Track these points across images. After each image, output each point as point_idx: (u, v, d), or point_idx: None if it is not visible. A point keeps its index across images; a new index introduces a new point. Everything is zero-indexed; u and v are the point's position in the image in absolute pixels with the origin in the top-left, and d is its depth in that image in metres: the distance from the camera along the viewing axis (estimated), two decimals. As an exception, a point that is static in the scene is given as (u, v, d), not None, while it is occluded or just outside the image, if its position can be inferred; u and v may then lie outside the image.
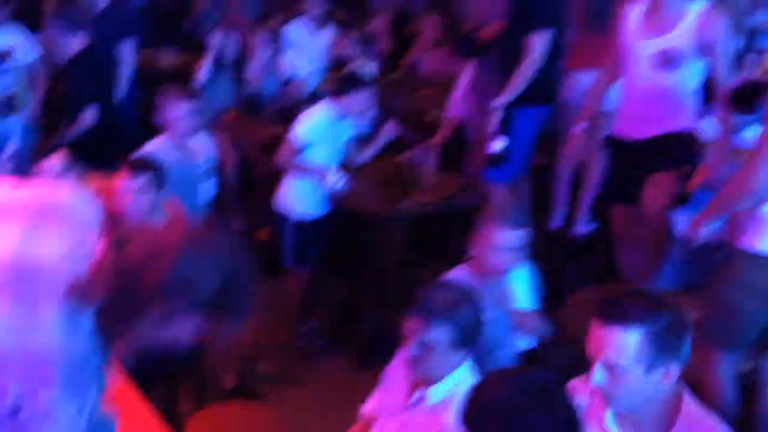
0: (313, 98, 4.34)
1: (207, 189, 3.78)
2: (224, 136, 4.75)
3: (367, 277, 3.95)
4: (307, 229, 3.62)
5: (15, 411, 1.20)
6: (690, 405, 1.67)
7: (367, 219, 3.80)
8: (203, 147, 3.71)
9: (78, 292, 1.20)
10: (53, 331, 1.19)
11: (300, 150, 3.50)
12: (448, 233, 3.96)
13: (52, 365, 1.21)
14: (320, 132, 3.53)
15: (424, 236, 4.09)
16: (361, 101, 3.53)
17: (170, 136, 3.52)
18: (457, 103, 4.55)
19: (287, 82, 4.94)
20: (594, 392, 1.69)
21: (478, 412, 1.47)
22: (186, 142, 3.57)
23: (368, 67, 4.83)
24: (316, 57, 5.14)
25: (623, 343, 1.58)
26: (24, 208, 1.24)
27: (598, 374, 1.63)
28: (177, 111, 3.50)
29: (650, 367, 1.58)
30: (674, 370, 1.61)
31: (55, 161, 3.01)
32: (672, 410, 1.66)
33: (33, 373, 1.20)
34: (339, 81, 3.73)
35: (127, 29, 4.69)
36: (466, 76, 4.48)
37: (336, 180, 3.52)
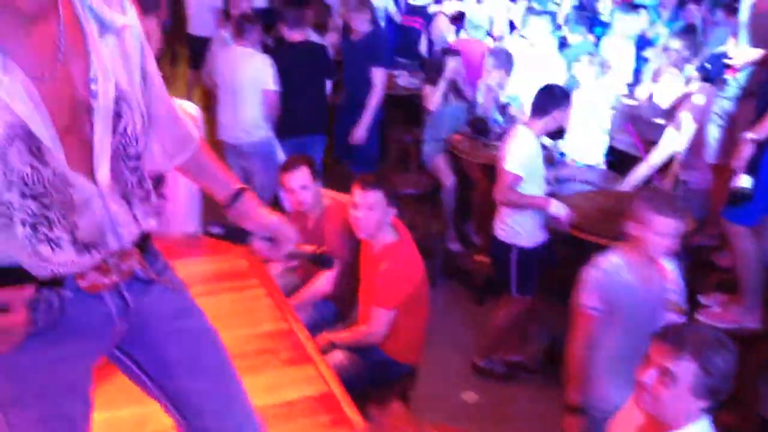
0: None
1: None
2: (448, 158, 4.89)
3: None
4: (528, 257, 3.58)
5: None
6: None
7: (594, 250, 3.67)
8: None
9: None
10: None
11: (516, 184, 3.47)
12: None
13: None
14: (532, 162, 3.51)
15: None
16: (560, 119, 3.51)
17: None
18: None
19: (507, 104, 4.94)
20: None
21: None
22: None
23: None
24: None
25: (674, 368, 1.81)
26: None
27: (648, 376, 1.86)
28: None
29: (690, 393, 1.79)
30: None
31: (301, 173, 3.25)
32: None
33: None
34: (538, 99, 3.63)
35: (381, 55, 5.06)
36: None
37: (559, 209, 3.46)
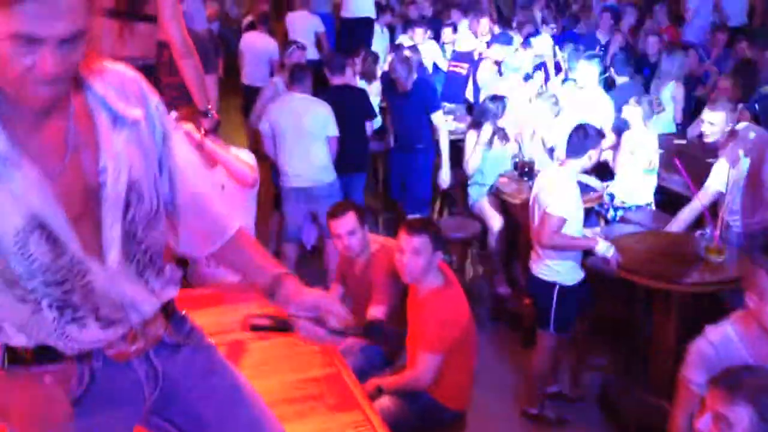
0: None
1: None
2: (495, 201, 4.89)
3: (636, 351, 3.75)
4: (568, 295, 3.56)
5: None
6: None
7: (640, 291, 3.63)
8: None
9: None
10: None
11: (561, 227, 3.46)
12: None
13: None
14: (574, 203, 3.52)
15: (702, 316, 3.78)
16: (595, 158, 3.57)
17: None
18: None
19: (554, 148, 4.95)
20: None
21: None
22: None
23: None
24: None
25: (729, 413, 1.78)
26: None
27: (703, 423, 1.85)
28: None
29: None
30: None
31: (349, 219, 3.30)
32: None
33: None
34: (573, 139, 3.66)
35: (432, 100, 5.29)
36: None
37: (607, 249, 3.45)
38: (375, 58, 6.79)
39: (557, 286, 3.55)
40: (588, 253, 3.60)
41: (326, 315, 1.51)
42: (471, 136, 4.95)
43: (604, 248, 3.45)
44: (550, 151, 4.96)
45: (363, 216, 3.39)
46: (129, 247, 1.34)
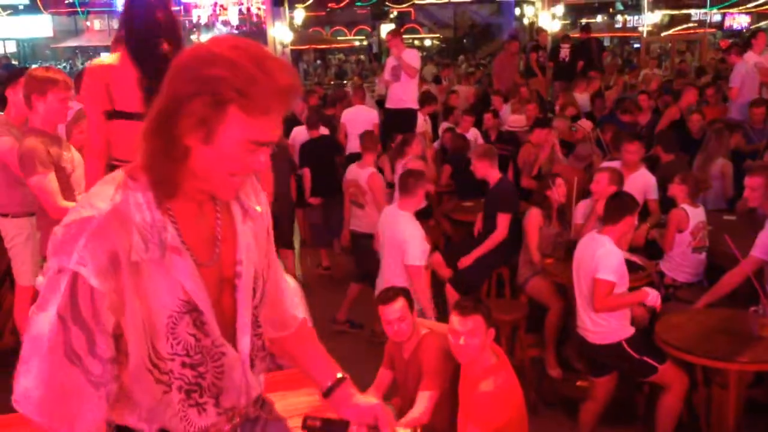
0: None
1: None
2: (549, 282, 4.88)
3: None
4: (637, 339, 3.73)
5: None
6: None
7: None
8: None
9: None
10: None
11: (612, 290, 3.64)
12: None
13: None
14: (620, 266, 3.72)
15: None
16: (633, 225, 3.83)
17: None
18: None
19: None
20: None
21: None
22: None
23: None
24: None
25: None
26: None
27: None
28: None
29: None
30: None
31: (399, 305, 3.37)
32: None
33: None
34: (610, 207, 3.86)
35: (509, 203, 5.31)
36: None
37: (656, 298, 3.66)
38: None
39: (623, 341, 3.69)
40: None
41: (380, 424, 1.56)
42: (534, 217, 4.97)
43: (653, 298, 3.65)
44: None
45: (412, 301, 3.43)
46: (253, 333, 1.46)
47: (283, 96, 1.24)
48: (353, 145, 7.50)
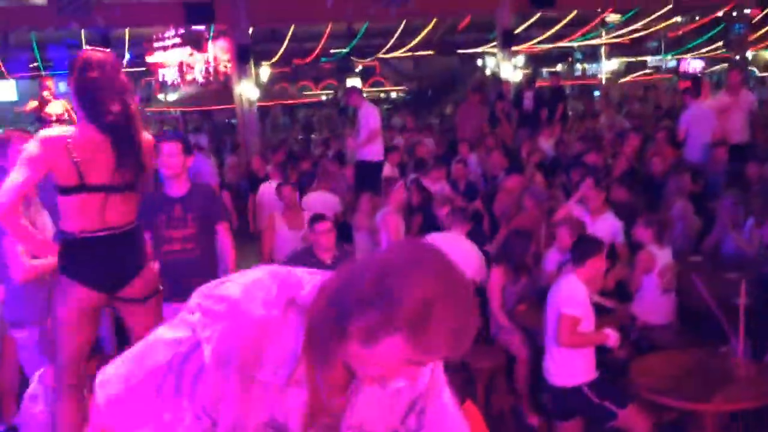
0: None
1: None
2: (519, 330, 4.86)
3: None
4: (598, 385, 3.73)
5: None
6: None
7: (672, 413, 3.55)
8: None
9: None
10: None
11: (576, 326, 3.70)
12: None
13: None
14: (585, 303, 3.78)
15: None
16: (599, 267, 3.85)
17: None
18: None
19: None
20: None
21: None
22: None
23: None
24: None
25: None
26: None
27: None
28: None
29: None
30: None
31: None
32: None
33: None
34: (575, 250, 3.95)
35: None
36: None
37: (617, 338, 3.74)
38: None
39: (584, 385, 3.71)
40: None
41: None
42: (497, 278, 4.85)
43: (615, 339, 3.74)
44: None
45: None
46: None
47: (450, 341, 1.19)
48: None
